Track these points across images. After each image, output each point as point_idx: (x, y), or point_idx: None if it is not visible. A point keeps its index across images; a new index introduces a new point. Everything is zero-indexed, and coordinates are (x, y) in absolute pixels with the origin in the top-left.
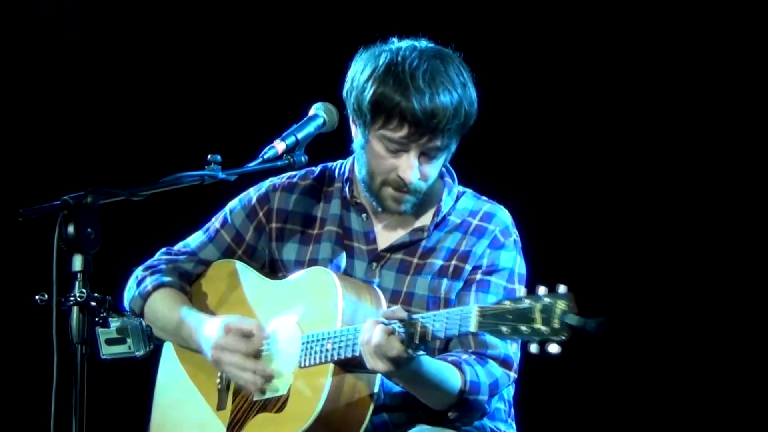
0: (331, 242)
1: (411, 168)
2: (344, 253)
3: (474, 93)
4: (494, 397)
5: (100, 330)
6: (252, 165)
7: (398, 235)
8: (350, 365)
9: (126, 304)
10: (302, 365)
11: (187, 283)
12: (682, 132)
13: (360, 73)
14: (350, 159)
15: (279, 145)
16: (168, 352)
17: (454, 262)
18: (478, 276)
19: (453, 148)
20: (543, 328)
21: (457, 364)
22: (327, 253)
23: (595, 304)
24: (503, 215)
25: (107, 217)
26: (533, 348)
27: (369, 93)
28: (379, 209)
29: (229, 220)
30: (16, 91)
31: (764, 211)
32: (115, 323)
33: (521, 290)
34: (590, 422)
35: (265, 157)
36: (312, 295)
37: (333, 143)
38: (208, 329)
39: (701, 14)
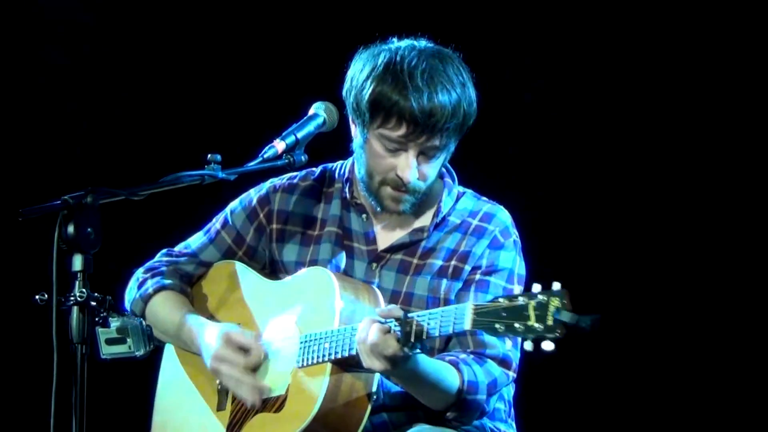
0: (330, 243)
1: (409, 167)
2: (344, 254)
3: (473, 93)
4: (493, 396)
5: (100, 330)
6: (252, 164)
7: (398, 235)
8: (348, 364)
9: (127, 305)
10: (300, 365)
11: (188, 284)
12: (675, 133)
13: (359, 73)
14: (350, 159)
15: (279, 145)
16: (169, 354)
17: (453, 262)
18: (478, 276)
19: (452, 148)
20: (537, 325)
21: (455, 364)
22: (327, 253)
23: (595, 304)
24: (503, 216)
25: (107, 217)
26: (528, 345)
27: (368, 92)
28: (378, 209)
29: (230, 221)
30: (16, 91)
31: (755, 204)
32: (115, 323)
33: (516, 288)
34: (590, 422)
35: (265, 156)
36: (310, 295)
37: (333, 143)
38: (208, 336)
39: (701, 14)
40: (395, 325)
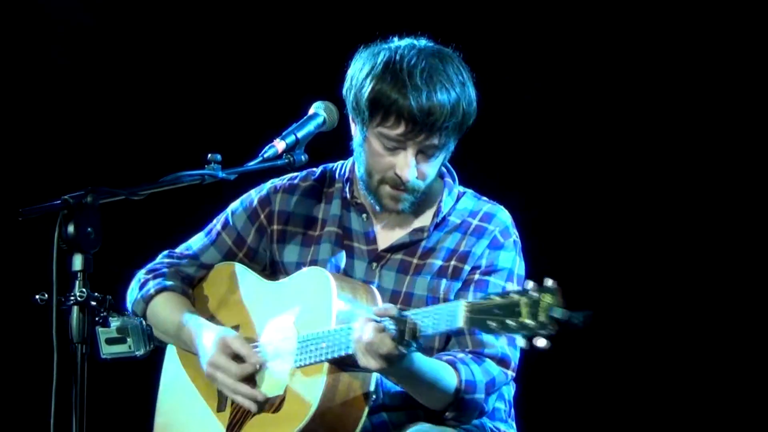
0: (330, 242)
1: (408, 166)
2: (344, 253)
3: (473, 92)
4: (492, 395)
5: (100, 329)
6: (252, 164)
7: (398, 235)
8: (345, 364)
9: (128, 306)
10: (298, 365)
11: (189, 286)
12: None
13: (359, 71)
14: (351, 159)
15: (279, 144)
16: (171, 355)
17: (453, 262)
18: (477, 276)
19: (451, 147)
20: (529, 321)
21: (453, 363)
22: (327, 253)
23: (595, 304)
24: (503, 216)
25: (107, 217)
26: (521, 342)
27: (367, 90)
28: (378, 208)
29: (231, 222)
30: (16, 90)
31: (746, 203)
32: (115, 323)
33: (510, 286)
34: (590, 422)
35: (265, 156)
36: (308, 296)
37: (333, 143)
38: (206, 339)
39: (701, 14)
40: (390, 324)
